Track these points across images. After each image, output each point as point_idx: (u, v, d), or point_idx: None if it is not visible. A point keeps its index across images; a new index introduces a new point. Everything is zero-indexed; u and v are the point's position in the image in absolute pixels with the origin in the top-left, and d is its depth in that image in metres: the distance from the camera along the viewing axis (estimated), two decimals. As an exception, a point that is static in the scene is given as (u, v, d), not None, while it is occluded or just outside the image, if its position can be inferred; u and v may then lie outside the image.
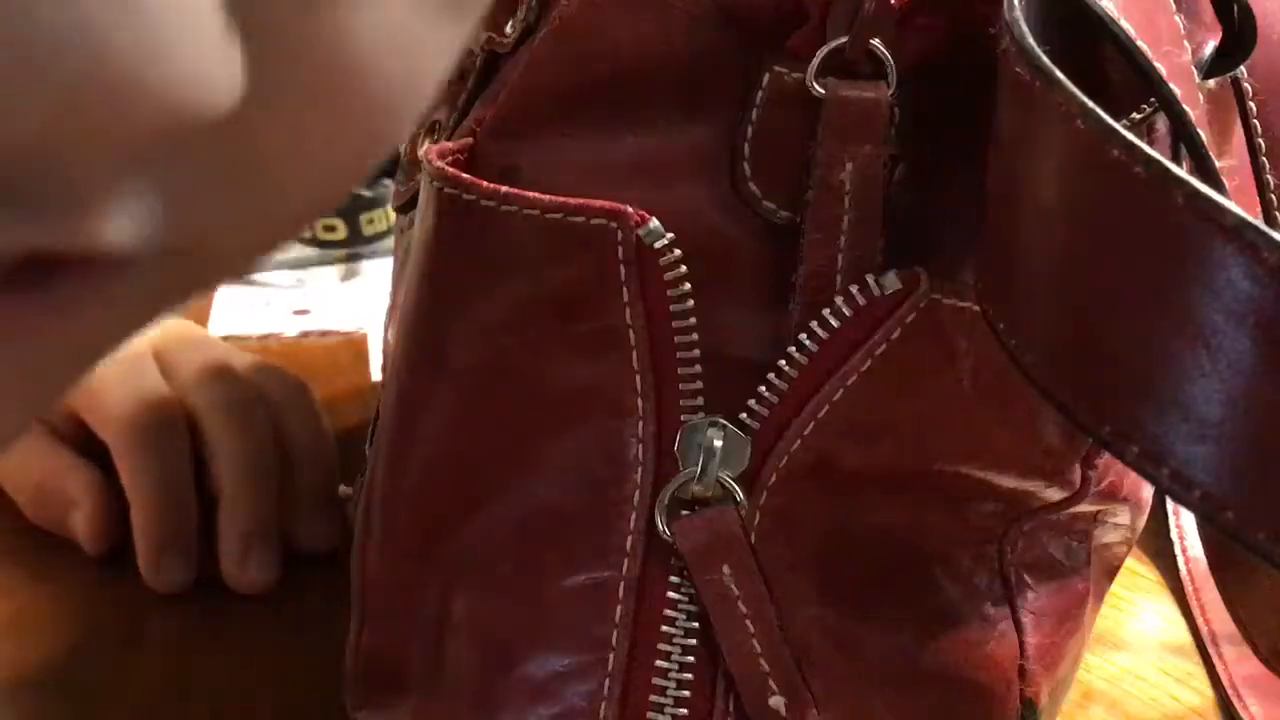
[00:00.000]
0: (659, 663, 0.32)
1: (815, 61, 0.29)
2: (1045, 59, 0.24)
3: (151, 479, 0.47)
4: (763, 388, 0.30)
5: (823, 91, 0.29)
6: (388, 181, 0.77)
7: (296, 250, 0.76)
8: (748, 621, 0.31)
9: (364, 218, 0.74)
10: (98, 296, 0.17)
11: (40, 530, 0.50)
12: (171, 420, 0.48)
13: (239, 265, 0.20)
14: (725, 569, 0.31)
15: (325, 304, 0.72)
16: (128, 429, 0.48)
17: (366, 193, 0.76)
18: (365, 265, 0.77)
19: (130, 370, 0.49)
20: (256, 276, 0.76)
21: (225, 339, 0.67)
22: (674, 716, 0.32)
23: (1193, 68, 0.28)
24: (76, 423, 0.50)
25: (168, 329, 0.53)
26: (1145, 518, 0.38)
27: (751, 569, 0.31)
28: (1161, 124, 0.30)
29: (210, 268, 0.19)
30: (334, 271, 0.76)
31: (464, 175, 0.31)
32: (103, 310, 0.18)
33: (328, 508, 0.50)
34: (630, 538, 0.31)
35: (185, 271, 0.18)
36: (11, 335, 0.17)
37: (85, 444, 0.50)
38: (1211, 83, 0.30)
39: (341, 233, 0.74)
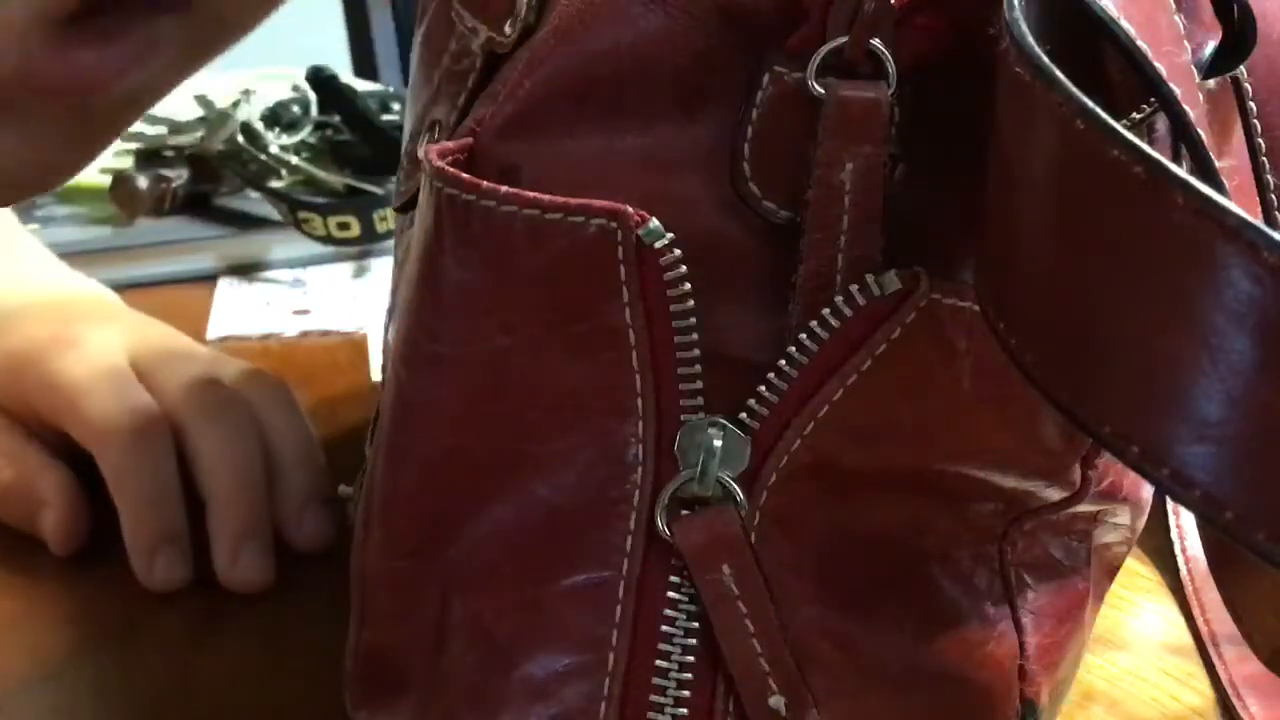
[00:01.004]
0: (659, 663, 0.32)
1: (814, 61, 0.29)
2: (1045, 59, 0.24)
3: (138, 480, 0.48)
4: (762, 387, 0.30)
5: (822, 91, 0.29)
6: (394, 180, 0.77)
7: (307, 246, 0.76)
8: (748, 621, 0.31)
9: (377, 215, 0.74)
10: (151, 48, 0.20)
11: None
12: (154, 424, 0.48)
13: (249, 25, 0.25)
14: (725, 569, 0.31)
15: (325, 304, 0.72)
16: (112, 432, 0.48)
17: (378, 190, 0.76)
18: (375, 263, 0.77)
19: (110, 380, 0.49)
20: (258, 275, 0.76)
21: (225, 339, 0.67)
22: (674, 716, 0.32)
23: (1193, 68, 0.28)
24: (53, 430, 0.50)
25: (148, 339, 0.53)
26: (1145, 518, 0.38)
27: (752, 569, 0.31)
28: (1161, 124, 0.30)
29: (229, 27, 0.23)
30: (346, 269, 0.77)
31: (464, 175, 0.31)
32: (155, 60, 0.21)
33: (319, 508, 0.50)
34: (630, 538, 0.31)
35: (212, 28, 0.22)
36: (77, 88, 0.20)
37: (60, 450, 0.50)
38: (1211, 83, 0.30)
39: (355, 230, 0.74)
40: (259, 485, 0.48)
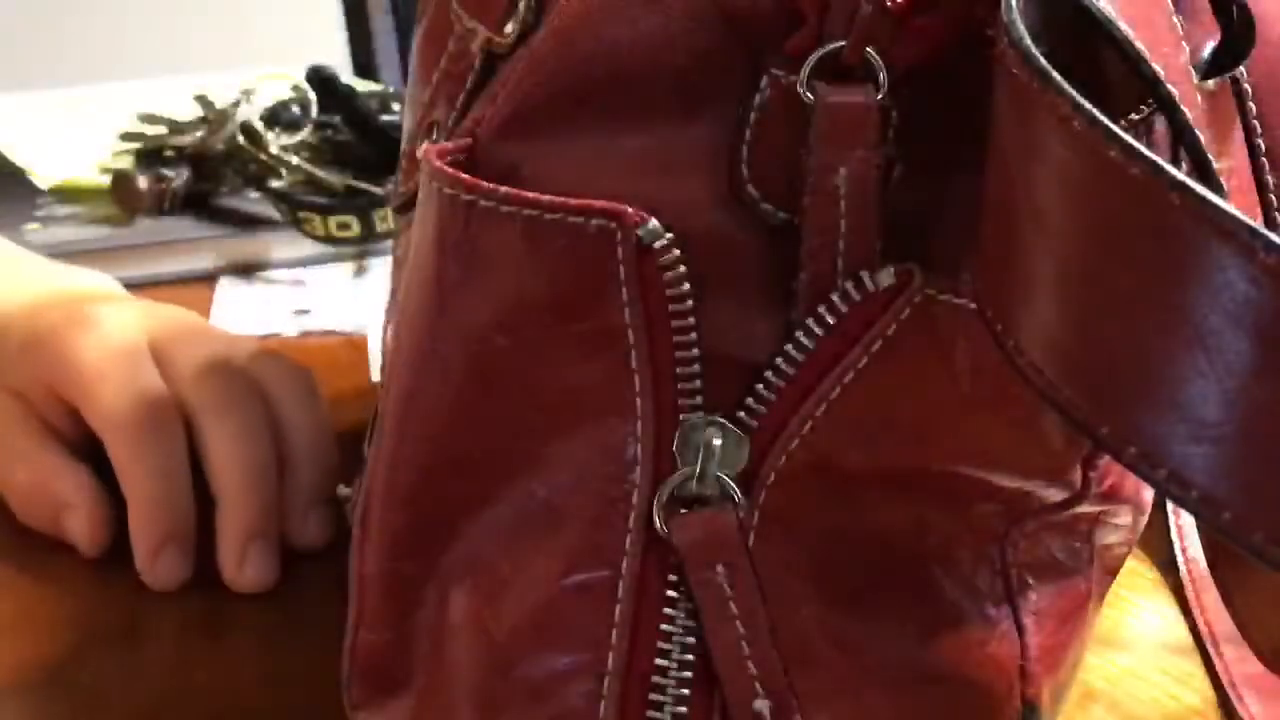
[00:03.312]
0: (659, 661, 0.32)
1: (807, 66, 0.29)
2: (1043, 60, 0.24)
3: (147, 475, 0.47)
4: (760, 386, 0.30)
5: (811, 97, 0.29)
6: (394, 180, 0.77)
7: (309, 247, 0.76)
8: (738, 623, 0.31)
9: (377, 215, 0.74)
10: None
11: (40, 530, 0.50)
12: (168, 417, 0.48)
13: None
14: (719, 568, 0.31)
15: (326, 304, 0.72)
16: (123, 424, 0.48)
17: (378, 190, 0.76)
18: (375, 263, 0.77)
19: (126, 364, 0.49)
20: (258, 275, 0.76)
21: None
22: (674, 715, 0.32)
23: (1191, 68, 0.28)
24: (72, 416, 0.49)
25: (165, 320, 0.53)
26: (1146, 518, 0.38)
27: (745, 569, 0.31)
28: (1160, 125, 0.30)
29: None
30: (346, 269, 0.77)
31: (463, 175, 0.31)
32: None
33: (323, 507, 0.49)
34: (629, 537, 0.31)
35: None
36: None
37: (78, 440, 0.50)
38: (1210, 83, 0.30)
39: (355, 230, 0.74)
40: (269, 484, 0.48)
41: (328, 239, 0.74)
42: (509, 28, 0.33)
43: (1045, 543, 0.35)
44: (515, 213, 0.30)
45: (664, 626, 0.32)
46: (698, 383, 0.31)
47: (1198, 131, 0.26)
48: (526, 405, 0.32)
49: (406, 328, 0.33)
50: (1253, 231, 0.21)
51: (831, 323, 0.30)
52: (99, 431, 0.48)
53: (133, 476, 0.48)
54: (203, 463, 0.48)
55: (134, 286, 0.61)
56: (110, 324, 0.50)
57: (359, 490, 0.36)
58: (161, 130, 0.83)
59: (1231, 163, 0.31)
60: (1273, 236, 0.21)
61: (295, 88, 0.85)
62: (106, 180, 0.79)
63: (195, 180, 0.79)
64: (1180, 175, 0.22)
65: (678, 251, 0.30)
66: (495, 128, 0.32)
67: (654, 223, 0.30)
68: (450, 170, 0.31)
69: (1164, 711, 0.42)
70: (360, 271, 0.76)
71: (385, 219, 0.74)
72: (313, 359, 0.55)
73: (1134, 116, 0.29)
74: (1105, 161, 0.23)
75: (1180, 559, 0.49)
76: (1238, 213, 0.21)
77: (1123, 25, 0.26)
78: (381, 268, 0.76)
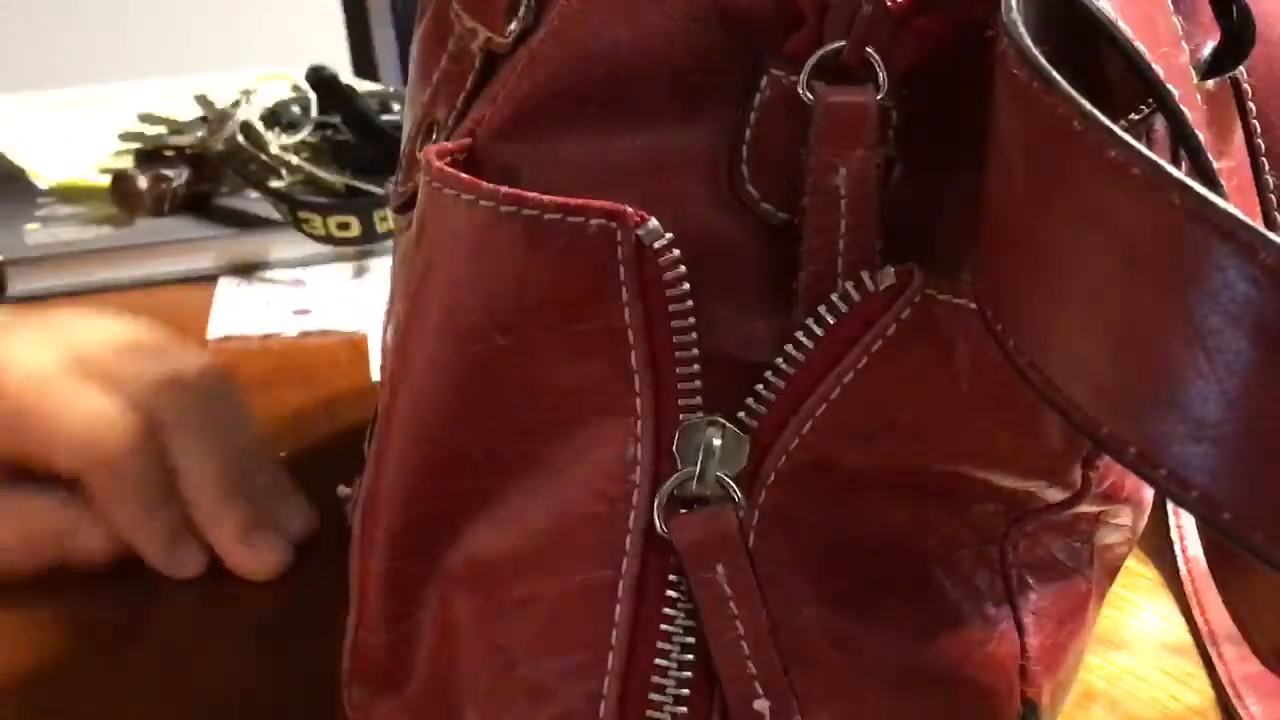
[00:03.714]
0: (659, 661, 0.32)
1: (807, 67, 0.29)
2: (1043, 60, 0.24)
3: (135, 481, 0.47)
4: (760, 386, 0.30)
5: (811, 97, 0.29)
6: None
7: (309, 247, 0.76)
8: (738, 623, 0.31)
9: (377, 215, 0.74)
10: None
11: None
12: (130, 429, 0.48)
13: None
14: (719, 568, 0.31)
15: (326, 304, 0.72)
16: (92, 446, 0.47)
17: (378, 190, 0.76)
18: (375, 263, 0.77)
19: (66, 393, 0.48)
20: (258, 275, 0.76)
21: (225, 339, 0.67)
22: (674, 716, 0.32)
23: (1191, 69, 0.28)
24: (17, 458, 0.48)
25: (70, 335, 0.51)
26: (1146, 518, 0.38)
27: (745, 569, 0.31)
28: (1160, 125, 0.30)
29: None
30: (346, 269, 0.77)
31: (463, 175, 0.31)
32: None
33: (284, 505, 0.49)
34: (629, 537, 0.31)
35: None
36: None
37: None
38: (1210, 83, 0.30)
39: (356, 230, 0.74)
40: (248, 485, 0.48)
41: (328, 239, 0.74)
42: (509, 28, 0.33)
43: (1045, 543, 0.35)
44: (515, 213, 0.30)
45: (664, 626, 0.31)
46: (698, 383, 0.31)
47: (1198, 131, 0.26)
48: (526, 405, 0.32)
49: (405, 328, 0.33)
50: (1252, 232, 0.21)
51: (831, 323, 0.30)
52: (69, 465, 0.47)
53: (119, 489, 0.47)
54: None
55: (134, 287, 0.61)
56: (23, 355, 0.49)
57: (359, 490, 0.36)
58: (161, 130, 0.83)
59: (1231, 163, 0.31)
60: (1273, 236, 0.21)
61: (295, 88, 0.85)
62: (106, 180, 0.79)
63: (195, 180, 0.80)
64: (1180, 175, 0.22)
65: (678, 251, 0.30)
66: (495, 128, 0.32)
67: (654, 223, 0.30)
68: (450, 170, 0.31)
69: (1164, 711, 0.43)
70: (360, 271, 0.77)
71: (385, 219, 0.74)
72: (313, 359, 0.55)
73: (1134, 116, 0.29)
74: (1104, 161, 0.22)
75: (1180, 559, 0.50)
76: (1238, 213, 0.21)
77: (1123, 25, 0.26)
78: (381, 268, 0.76)
